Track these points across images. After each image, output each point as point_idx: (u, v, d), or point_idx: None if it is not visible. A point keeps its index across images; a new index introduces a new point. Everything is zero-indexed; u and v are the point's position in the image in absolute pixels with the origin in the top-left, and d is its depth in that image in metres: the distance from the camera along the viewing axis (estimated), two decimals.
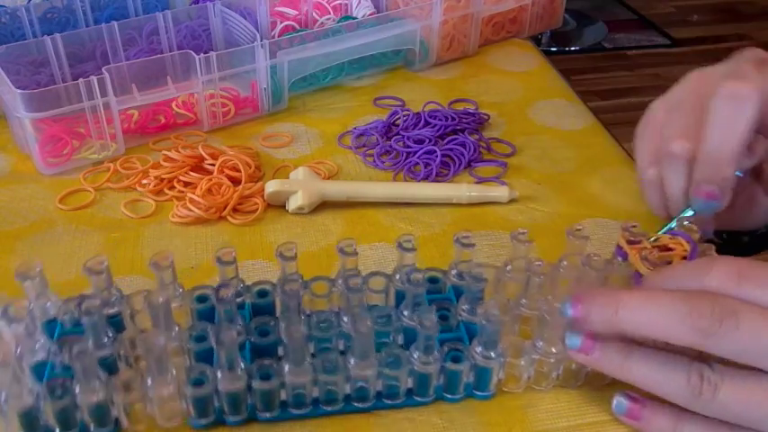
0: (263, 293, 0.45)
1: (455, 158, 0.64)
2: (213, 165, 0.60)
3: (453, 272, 0.46)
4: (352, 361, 0.40)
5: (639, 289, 0.41)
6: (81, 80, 0.60)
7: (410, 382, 0.42)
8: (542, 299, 0.43)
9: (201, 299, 0.44)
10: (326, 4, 0.81)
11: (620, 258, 0.47)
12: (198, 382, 0.38)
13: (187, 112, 0.68)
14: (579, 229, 0.46)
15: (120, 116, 0.64)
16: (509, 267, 0.45)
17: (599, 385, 0.43)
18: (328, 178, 0.62)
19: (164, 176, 0.60)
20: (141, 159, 0.64)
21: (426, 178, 0.62)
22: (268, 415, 0.41)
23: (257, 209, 0.58)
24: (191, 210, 0.57)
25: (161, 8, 0.76)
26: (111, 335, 0.41)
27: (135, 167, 0.62)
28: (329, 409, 0.41)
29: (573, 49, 2.65)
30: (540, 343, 0.42)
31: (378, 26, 0.74)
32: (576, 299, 0.39)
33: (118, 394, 0.38)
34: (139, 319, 0.43)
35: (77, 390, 0.38)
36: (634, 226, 0.47)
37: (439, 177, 0.62)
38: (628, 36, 2.73)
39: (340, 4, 0.81)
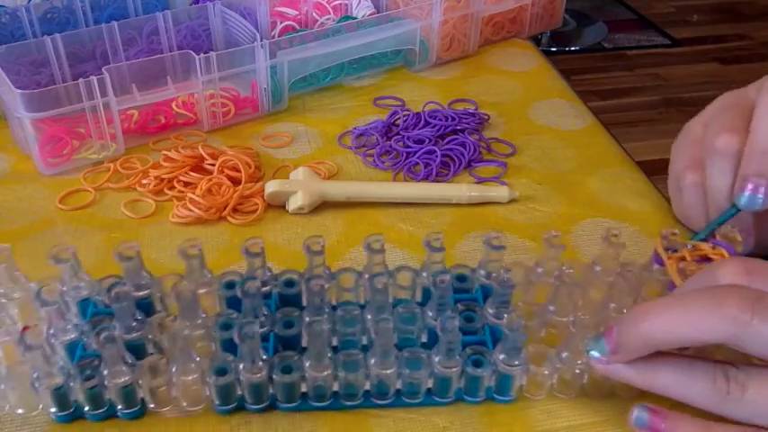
0: (289, 283, 0.45)
1: (455, 158, 0.64)
2: (213, 165, 0.60)
3: (482, 271, 0.46)
4: (372, 360, 0.40)
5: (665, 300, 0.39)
6: (81, 80, 0.60)
7: (431, 383, 0.42)
8: (571, 308, 0.43)
9: (230, 285, 0.44)
10: (326, 4, 0.81)
11: (656, 265, 0.45)
12: (221, 372, 0.40)
13: (187, 112, 0.68)
14: (615, 235, 0.45)
15: (120, 116, 0.64)
16: (540, 270, 0.45)
17: (628, 396, 0.42)
18: (328, 178, 0.62)
19: (164, 176, 0.60)
20: (141, 159, 0.64)
21: (426, 178, 0.62)
22: (288, 405, 0.42)
23: (257, 209, 0.58)
24: (191, 210, 0.57)
25: (161, 8, 0.76)
26: (140, 318, 0.42)
27: (135, 167, 0.62)
28: (349, 403, 0.42)
29: (573, 49, 2.64)
30: (566, 354, 0.41)
31: (378, 26, 0.74)
32: (607, 332, 0.38)
33: (144, 378, 0.40)
34: (169, 302, 0.44)
35: (105, 372, 0.39)
36: (674, 233, 0.45)
37: (439, 177, 0.62)
38: (628, 36, 2.73)
39: (340, 4, 0.81)
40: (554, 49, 2.61)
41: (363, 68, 0.77)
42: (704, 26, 2.80)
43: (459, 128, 0.67)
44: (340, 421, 0.41)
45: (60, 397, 0.40)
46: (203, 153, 0.60)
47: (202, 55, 0.64)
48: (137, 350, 0.42)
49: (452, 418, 0.42)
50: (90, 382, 0.39)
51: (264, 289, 0.45)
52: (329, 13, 0.81)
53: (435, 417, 0.42)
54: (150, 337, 0.42)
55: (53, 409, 0.41)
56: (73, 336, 0.42)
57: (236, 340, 0.39)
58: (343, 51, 0.72)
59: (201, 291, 0.44)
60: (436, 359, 0.40)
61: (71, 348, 0.42)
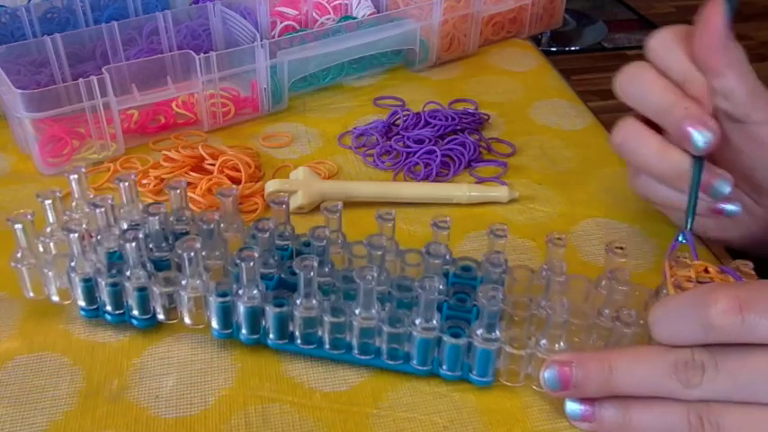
0: (307, 243, 0.49)
1: (455, 158, 0.64)
2: (213, 165, 0.60)
3: (487, 264, 0.47)
4: (357, 310, 0.42)
5: (627, 348, 0.40)
6: (81, 80, 0.60)
7: (411, 347, 0.43)
8: (558, 302, 0.42)
9: (254, 235, 0.48)
10: (326, 4, 0.81)
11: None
12: (222, 294, 0.43)
13: (187, 112, 0.68)
14: (621, 248, 0.45)
15: (120, 116, 0.64)
16: (545, 272, 0.45)
17: None
18: (328, 178, 0.62)
19: (164, 176, 0.60)
20: (141, 159, 0.64)
21: (426, 178, 0.62)
22: (277, 342, 0.44)
23: (257, 208, 0.58)
24: (190, 209, 0.56)
25: (161, 8, 0.76)
26: (170, 241, 0.48)
27: (135, 167, 0.62)
28: (334, 352, 0.44)
29: (573, 49, 2.65)
30: (544, 341, 0.41)
31: (378, 26, 0.74)
32: (562, 364, 0.39)
33: (157, 286, 0.44)
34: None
35: (126, 272, 0.44)
36: (685, 257, 0.44)
37: (439, 177, 0.62)
38: (628, 36, 2.73)
39: (340, 4, 0.82)
40: (554, 49, 2.61)
41: (363, 68, 0.77)
42: None
43: (459, 128, 0.67)
44: (340, 421, 0.41)
45: (87, 289, 0.45)
46: (203, 153, 0.60)
47: (202, 55, 0.64)
48: (162, 268, 0.46)
49: (452, 417, 0.42)
50: (112, 279, 0.44)
51: (284, 242, 0.49)
52: (329, 13, 0.81)
53: (435, 417, 0.42)
54: (176, 260, 0.45)
55: (81, 303, 0.46)
56: (114, 245, 0.48)
57: (236, 260, 0.42)
58: (343, 51, 0.72)
59: (229, 234, 0.49)
60: (417, 321, 0.42)
61: (110, 256, 0.47)
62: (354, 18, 0.79)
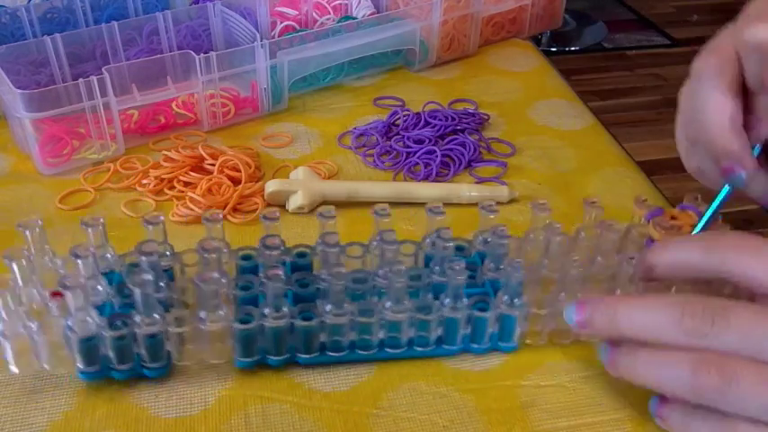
0: (301, 255, 0.48)
1: (455, 158, 0.64)
2: (213, 165, 0.60)
3: (478, 239, 0.49)
4: (387, 304, 0.43)
5: (637, 295, 0.42)
6: (81, 80, 0.60)
7: (440, 331, 0.44)
8: (562, 259, 0.46)
9: (246, 257, 0.48)
10: (326, 4, 0.81)
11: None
12: (245, 321, 0.42)
13: (187, 112, 0.68)
14: (594, 202, 0.49)
15: (120, 116, 0.64)
16: (531, 236, 0.48)
17: None
18: (328, 178, 0.62)
19: (164, 176, 0.60)
20: (141, 159, 0.64)
21: (426, 178, 0.62)
22: (307, 357, 0.44)
23: (257, 208, 0.58)
24: (191, 209, 0.57)
25: (161, 8, 0.76)
26: (165, 281, 0.45)
27: (135, 167, 0.62)
28: (364, 353, 0.44)
29: (573, 49, 2.64)
30: (563, 294, 0.44)
31: (378, 26, 0.74)
32: (580, 303, 0.41)
33: (172, 327, 0.42)
34: (189, 273, 0.46)
35: (137, 320, 0.41)
36: (645, 199, 0.52)
37: (439, 177, 0.62)
38: (628, 36, 2.73)
39: (340, 4, 0.81)
40: (554, 49, 2.61)
41: (363, 68, 0.77)
42: (704, 26, 2.80)
43: (459, 128, 0.67)
44: (340, 421, 0.41)
45: (89, 349, 0.41)
46: (203, 153, 0.60)
47: (202, 55, 0.64)
48: (164, 308, 0.43)
49: (452, 417, 0.42)
50: (120, 331, 0.41)
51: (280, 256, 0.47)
52: (329, 13, 0.81)
53: (435, 416, 0.42)
54: (175, 297, 0.44)
55: (80, 365, 0.42)
56: (100, 299, 0.44)
57: (263, 280, 0.41)
58: (343, 51, 0.72)
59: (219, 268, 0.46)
60: (445, 302, 0.43)
61: (100, 310, 0.43)
62: (354, 18, 0.79)
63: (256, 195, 0.59)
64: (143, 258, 0.43)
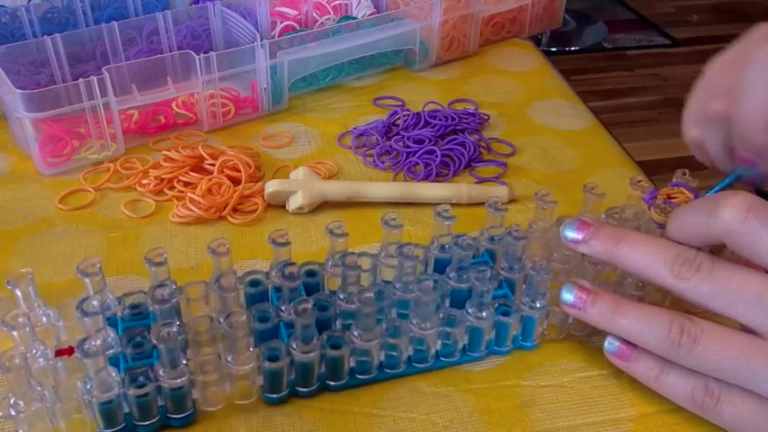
0: (311, 273, 0.47)
1: (455, 158, 0.64)
2: (213, 165, 0.60)
3: (485, 236, 0.49)
4: (414, 321, 0.43)
5: (641, 235, 0.43)
6: (81, 80, 0.60)
7: (465, 339, 0.45)
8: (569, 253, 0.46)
9: (254, 283, 0.46)
10: (326, 4, 0.81)
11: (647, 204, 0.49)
12: (273, 357, 0.40)
13: (187, 112, 0.68)
14: (594, 187, 0.50)
15: (120, 116, 0.64)
16: (534, 227, 0.48)
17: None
18: (328, 178, 0.62)
19: (164, 176, 0.60)
20: (141, 159, 0.64)
21: (426, 178, 0.62)
22: (337, 383, 0.43)
23: (257, 209, 0.58)
24: (191, 209, 0.57)
25: (161, 8, 0.76)
26: (179, 322, 0.41)
27: (135, 167, 0.62)
28: (392, 372, 0.44)
29: (573, 49, 2.64)
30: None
31: (378, 26, 0.74)
32: (583, 223, 0.43)
33: (199, 376, 0.40)
34: (194, 307, 0.43)
35: (162, 373, 0.38)
36: (640, 180, 0.50)
37: (439, 177, 0.62)
38: (628, 36, 2.73)
39: (340, 4, 0.81)
40: (554, 49, 2.61)
41: (363, 68, 0.77)
42: (704, 26, 2.80)
43: (459, 128, 0.67)
44: (340, 421, 0.41)
45: (112, 410, 0.38)
46: (203, 153, 0.60)
47: (202, 55, 0.64)
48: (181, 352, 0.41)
49: (452, 417, 0.42)
50: (144, 389, 0.38)
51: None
52: (329, 13, 0.81)
53: (435, 416, 0.42)
54: (190, 337, 0.41)
55: (102, 427, 0.39)
56: (112, 350, 0.41)
57: (294, 318, 0.40)
58: (343, 51, 0.72)
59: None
60: (470, 311, 0.43)
61: (112, 362, 0.40)
62: (354, 18, 0.79)
63: (256, 195, 0.59)
64: (156, 307, 0.41)
